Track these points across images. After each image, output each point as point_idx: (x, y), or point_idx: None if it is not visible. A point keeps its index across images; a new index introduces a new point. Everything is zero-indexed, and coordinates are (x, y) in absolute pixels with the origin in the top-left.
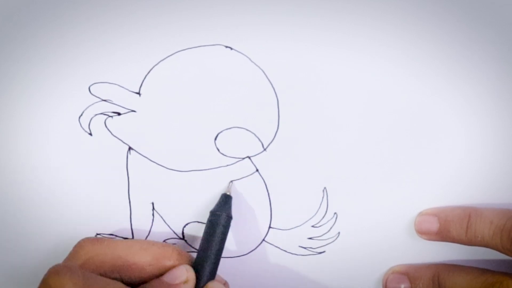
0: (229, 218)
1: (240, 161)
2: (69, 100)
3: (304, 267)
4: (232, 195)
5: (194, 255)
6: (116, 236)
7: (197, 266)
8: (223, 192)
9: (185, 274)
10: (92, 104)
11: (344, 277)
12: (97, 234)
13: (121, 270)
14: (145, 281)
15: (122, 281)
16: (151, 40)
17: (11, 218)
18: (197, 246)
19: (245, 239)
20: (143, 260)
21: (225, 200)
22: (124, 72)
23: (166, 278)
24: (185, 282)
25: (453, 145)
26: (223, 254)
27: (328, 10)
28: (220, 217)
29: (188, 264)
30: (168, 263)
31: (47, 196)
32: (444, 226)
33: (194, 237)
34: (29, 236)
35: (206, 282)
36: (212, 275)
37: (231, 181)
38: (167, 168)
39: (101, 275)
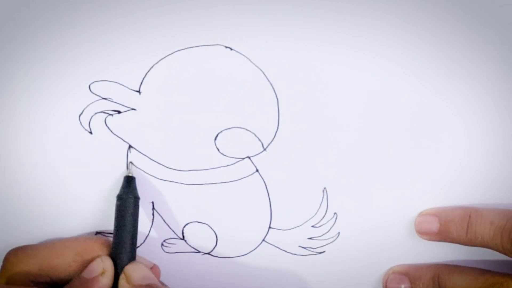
0: (137, 198)
1: (240, 161)
2: (70, 98)
3: (304, 267)
4: (134, 175)
5: (194, 255)
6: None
7: (114, 254)
8: (125, 174)
9: (101, 265)
10: (92, 102)
11: (344, 277)
12: (97, 232)
13: (48, 272)
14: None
15: (54, 283)
16: (152, 39)
17: (11, 218)
18: (198, 247)
19: (245, 239)
20: (67, 259)
21: (129, 182)
22: (124, 71)
23: (84, 274)
24: (102, 273)
25: (453, 145)
26: (223, 255)
27: (328, 10)
28: (127, 200)
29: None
30: (93, 255)
31: (47, 195)
32: (445, 227)
33: (194, 237)
34: (29, 236)
35: None
36: (132, 259)
37: (130, 162)
38: (167, 167)
39: (32, 282)
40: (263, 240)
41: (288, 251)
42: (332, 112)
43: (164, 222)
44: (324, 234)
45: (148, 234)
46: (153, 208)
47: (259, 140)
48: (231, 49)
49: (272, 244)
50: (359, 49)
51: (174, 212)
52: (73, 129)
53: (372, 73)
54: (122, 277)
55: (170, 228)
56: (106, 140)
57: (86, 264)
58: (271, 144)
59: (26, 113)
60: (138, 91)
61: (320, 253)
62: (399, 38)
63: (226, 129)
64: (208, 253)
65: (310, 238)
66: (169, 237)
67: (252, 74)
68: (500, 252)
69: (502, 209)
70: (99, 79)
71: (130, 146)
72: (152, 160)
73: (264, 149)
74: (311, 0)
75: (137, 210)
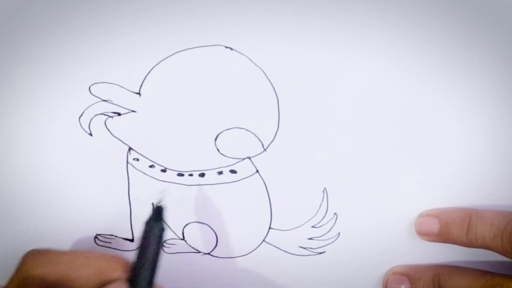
0: (162, 230)
1: (240, 162)
2: (69, 100)
3: (304, 267)
4: (165, 204)
5: (194, 255)
6: (116, 236)
7: (133, 280)
8: (156, 203)
9: None
10: (92, 104)
11: (344, 277)
12: (97, 234)
13: (65, 283)
14: None
15: None
16: (151, 40)
17: (11, 218)
18: (198, 247)
19: (245, 240)
20: (87, 273)
21: (158, 211)
22: (124, 72)
23: None
24: None
25: (453, 146)
26: (223, 255)
27: (328, 10)
28: (154, 228)
29: None
30: (113, 275)
31: (47, 196)
32: (445, 228)
33: (194, 238)
34: (29, 236)
35: None
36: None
37: (165, 190)
38: (167, 168)
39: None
40: (263, 240)
41: (288, 251)
42: (333, 112)
43: (164, 223)
44: (324, 234)
45: None
46: None
47: (259, 140)
48: (232, 49)
49: (272, 245)
50: (360, 49)
51: (174, 212)
52: (73, 131)
53: (372, 73)
54: None
55: (170, 228)
56: (106, 142)
57: (104, 282)
58: (271, 144)
59: (26, 114)
60: (138, 93)
61: (320, 253)
62: (399, 38)
63: (226, 129)
64: (208, 253)
65: (310, 239)
66: (169, 238)
67: (253, 74)
68: (501, 253)
69: (503, 211)
70: (99, 81)
71: (130, 148)
72: (152, 161)
73: (264, 150)
74: (311, 0)
75: (161, 240)
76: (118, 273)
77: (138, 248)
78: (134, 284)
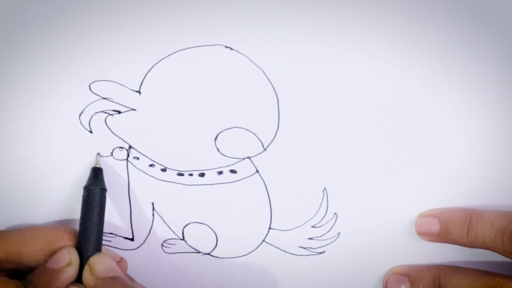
0: (103, 190)
1: (240, 162)
2: (70, 98)
3: (304, 267)
4: (102, 167)
5: (194, 255)
6: (116, 235)
7: (80, 245)
8: (93, 166)
9: (67, 257)
10: (93, 102)
11: (344, 277)
12: None
13: (15, 259)
14: None
15: (20, 270)
16: (152, 39)
17: (11, 216)
18: (198, 247)
19: (245, 240)
20: (34, 247)
21: (96, 174)
22: (124, 71)
23: (49, 264)
24: (69, 264)
25: (454, 146)
26: (223, 255)
27: (329, 10)
28: (94, 191)
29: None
30: (61, 244)
31: (47, 194)
32: (445, 228)
33: (194, 238)
34: None
35: None
36: (97, 251)
37: (98, 154)
38: (167, 168)
39: None
40: (263, 240)
41: (288, 251)
42: (333, 112)
43: (164, 223)
44: (324, 234)
45: (148, 235)
46: (153, 209)
47: (259, 140)
48: (231, 49)
49: (272, 245)
50: (360, 49)
51: (174, 212)
52: (73, 129)
53: (372, 73)
54: (86, 269)
55: (170, 228)
56: (106, 140)
57: (53, 253)
58: (271, 144)
59: (27, 111)
60: (138, 91)
61: (320, 253)
62: (399, 38)
63: (226, 129)
64: (208, 254)
65: (310, 239)
66: (169, 238)
67: (253, 74)
68: (501, 254)
69: (503, 211)
70: (99, 79)
71: (130, 146)
72: (152, 160)
73: (264, 149)
74: (311, 0)
75: (104, 201)
76: (66, 242)
77: (81, 213)
78: (82, 250)
